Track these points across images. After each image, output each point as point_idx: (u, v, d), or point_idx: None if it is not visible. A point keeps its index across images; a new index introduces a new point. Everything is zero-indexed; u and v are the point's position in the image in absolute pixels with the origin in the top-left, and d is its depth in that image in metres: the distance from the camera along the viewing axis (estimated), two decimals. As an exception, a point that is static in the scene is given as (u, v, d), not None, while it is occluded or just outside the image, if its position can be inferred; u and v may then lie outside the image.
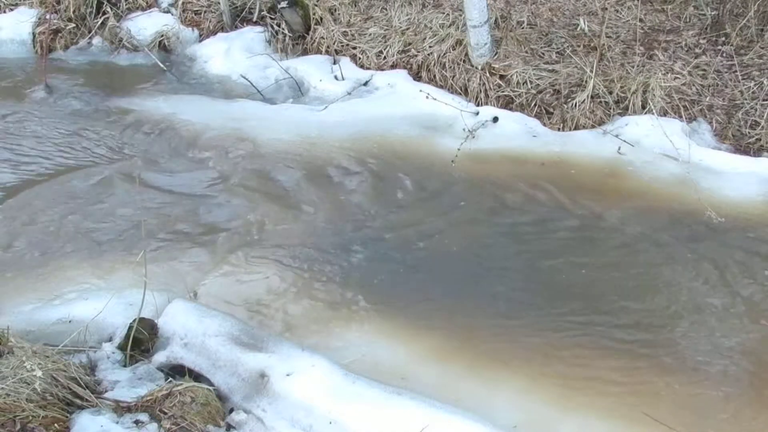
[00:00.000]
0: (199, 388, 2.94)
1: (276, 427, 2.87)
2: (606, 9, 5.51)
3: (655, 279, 3.65)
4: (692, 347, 3.29)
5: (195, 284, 3.75)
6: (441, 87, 5.33)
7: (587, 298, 3.58)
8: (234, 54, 6.02)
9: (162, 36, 6.39)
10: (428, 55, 5.46)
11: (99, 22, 6.55)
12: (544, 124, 4.90)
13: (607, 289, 3.62)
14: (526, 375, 3.20)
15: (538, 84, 5.04)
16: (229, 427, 2.92)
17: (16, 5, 6.89)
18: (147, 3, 6.67)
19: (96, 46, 6.57)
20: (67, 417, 2.77)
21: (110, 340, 3.35)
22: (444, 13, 5.74)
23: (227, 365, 3.12)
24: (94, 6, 6.55)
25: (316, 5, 6.01)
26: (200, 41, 6.39)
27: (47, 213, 4.35)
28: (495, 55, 5.22)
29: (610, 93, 4.84)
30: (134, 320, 3.25)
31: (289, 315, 3.57)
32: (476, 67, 5.22)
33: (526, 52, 5.28)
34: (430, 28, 5.63)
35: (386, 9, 5.99)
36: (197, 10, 6.55)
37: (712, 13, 5.28)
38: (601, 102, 4.86)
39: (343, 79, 5.57)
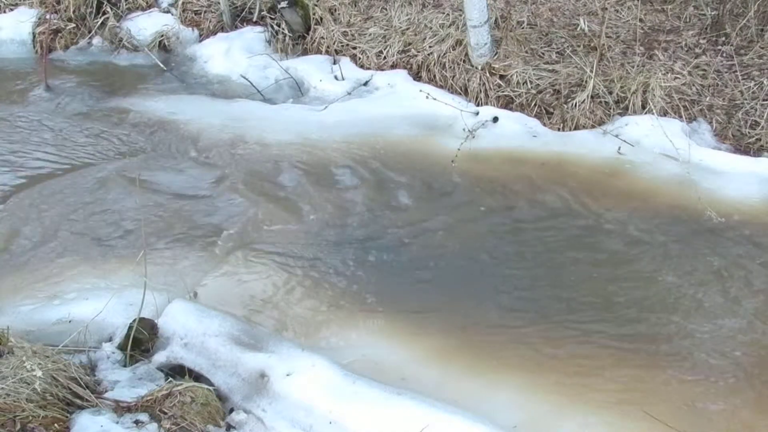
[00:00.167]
0: (199, 388, 2.95)
1: (276, 427, 2.87)
2: (606, 9, 5.51)
3: (656, 278, 3.65)
4: (692, 346, 3.29)
5: (195, 284, 3.75)
6: (441, 87, 5.33)
7: (588, 297, 3.58)
8: (234, 54, 6.01)
9: (162, 36, 6.39)
10: (428, 55, 5.46)
11: (99, 22, 6.55)
12: (544, 124, 4.90)
13: (608, 289, 3.62)
14: (526, 374, 3.20)
15: (538, 84, 5.04)
16: (229, 427, 2.92)
17: (16, 5, 6.89)
18: (147, 3, 6.67)
19: (96, 46, 6.56)
20: (67, 417, 2.77)
21: (110, 340, 3.35)
22: (444, 13, 5.74)
23: (227, 365, 3.12)
24: (94, 6, 6.54)
25: (316, 5, 6.01)
26: (200, 41, 6.38)
27: (47, 213, 4.35)
28: (495, 55, 5.22)
29: (610, 93, 4.84)
30: (134, 320, 3.25)
31: (289, 315, 3.57)
32: (476, 67, 5.22)
33: (526, 52, 5.28)
34: (430, 28, 5.63)
35: (386, 9, 5.99)
36: (197, 10, 6.55)
37: (712, 13, 5.28)
38: (601, 102, 4.86)
39: (343, 79, 5.57)
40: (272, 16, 6.10)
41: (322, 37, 5.91)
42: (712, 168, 4.30)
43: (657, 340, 3.33)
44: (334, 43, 5.87)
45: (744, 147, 4.54)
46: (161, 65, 6.16)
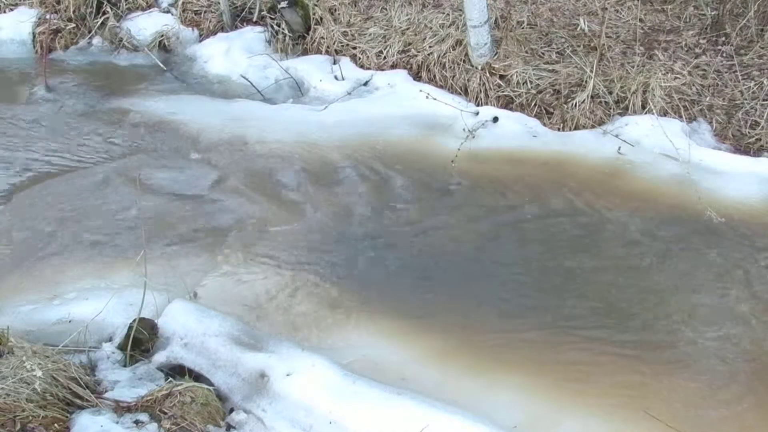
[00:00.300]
0: (199, 388, 2.95)
1: (276, 427, 2.87)
2: (606, 9, 5.51)
3: (656, 278, 3.65)
4: (693, 346, 3.29)
5: (195, 284, 3.75)
6: (441, 87, 5.33)
7: (588, 297, 3.58)
8: (234, 54, 6.01)
9: (162, 36, 6.39)
10: (428, 55, 5.46)
11: (99, 22, 6.55)
12: (544, 124, 4.90)
13: (608, 289, 3.62)
14: (526, 374, 3.20)
15: (538, 84, 5.04)
16: (229, 427, 2.92)
17: (16, 5, 6.88)
18: (147, 3, 6.67)
19: (96, 46, 6.56)
20: (67, 417, 2.77)
21: (110, 340, 3.35)
22: (444, 13, 5.74)
23: (227, 365, 3.12)
24: (94, 6, 6.54)
25: (316, 5, 6.01)
26: (200, 41, 6.38)
27: (47, 213, 4.35)
28: (495, 55, 5.22)
29: (610, 93, 4.84)
30: (134, 320, 3.25)
31: (289, 315, 3.57)
32: (476, 67, 5.22)
33: (526, 52, 5.28)
34: (430, 28, 5.63)
35: (386, 9, 5.99)
36: (197, 10, 6.54)
37: (712, 13, 5.28)
38: (601, 102, 4.86)
39: (343, 79, 5.57)
40: (272, 16, 6.10)
41: (322, 37, 5.91)
42: (712, 168, 4.30)
43: (658, 339, 3.33)
44: (334, 43, 5.87)
45: (744, 147, 4.54)
46: (161, 65, 6.15)
